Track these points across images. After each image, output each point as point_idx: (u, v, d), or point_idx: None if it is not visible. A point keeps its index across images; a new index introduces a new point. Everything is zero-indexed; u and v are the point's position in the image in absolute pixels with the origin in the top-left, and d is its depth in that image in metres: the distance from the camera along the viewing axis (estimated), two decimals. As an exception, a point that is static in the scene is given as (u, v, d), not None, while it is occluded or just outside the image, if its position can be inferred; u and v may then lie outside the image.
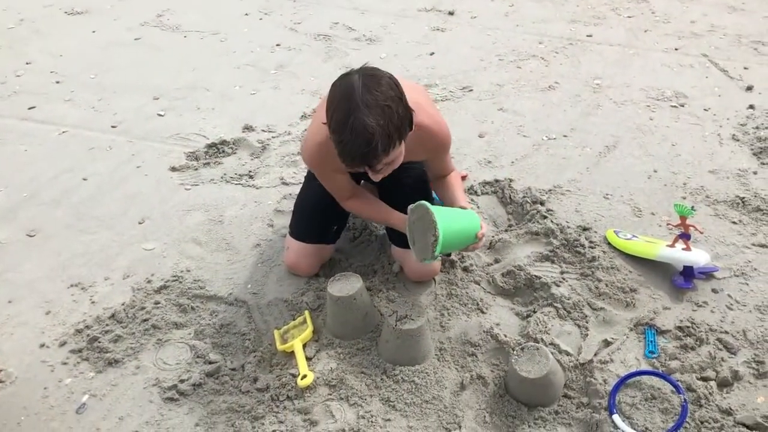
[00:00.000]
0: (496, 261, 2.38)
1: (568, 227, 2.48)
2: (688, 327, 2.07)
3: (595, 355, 2.01)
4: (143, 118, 3.43)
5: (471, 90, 3.56)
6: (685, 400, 1.82)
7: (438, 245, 1.85)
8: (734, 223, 2.52)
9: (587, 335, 2.07)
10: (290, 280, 2.34)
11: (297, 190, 2.48)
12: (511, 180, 2.78)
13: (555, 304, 2.16)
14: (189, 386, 1.96)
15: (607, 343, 2.04)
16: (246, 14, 4.69)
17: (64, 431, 1.87)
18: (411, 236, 2.00)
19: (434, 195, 2.38)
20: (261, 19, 4.61)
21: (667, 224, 2.50)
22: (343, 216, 2.39)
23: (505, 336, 2.06)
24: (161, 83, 3.77)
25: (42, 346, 2.14)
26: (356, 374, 1.98)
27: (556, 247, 2.39)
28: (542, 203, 2.62)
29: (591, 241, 2.41)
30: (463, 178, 2.77)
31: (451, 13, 4.54)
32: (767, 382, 1.91)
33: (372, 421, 1.84)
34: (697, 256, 2.22)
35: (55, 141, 3.27)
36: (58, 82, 3.83)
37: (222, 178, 2.93)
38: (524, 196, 2.66)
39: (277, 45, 4.19)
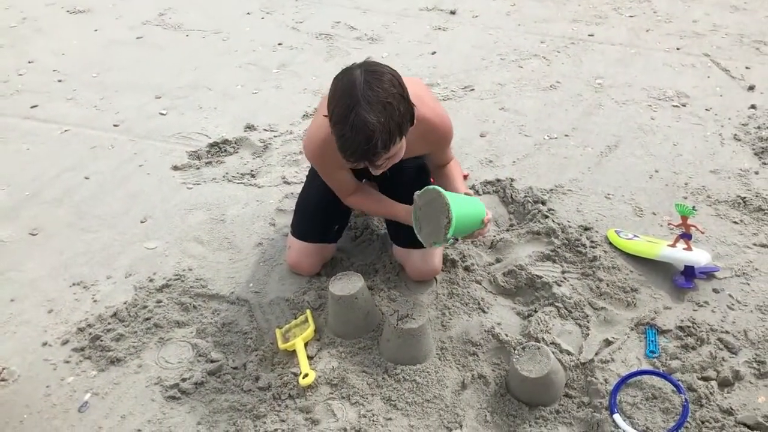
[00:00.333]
0: (498, 260, 2.38)
1: (570, 227, 2.49)
2: (689, 327, 2.07)
3: (596, 354, 2.01)
4: (145, 117, 3.44)
5: (472, 89, 3.56)
6: (686, 399, 1.82)
7: (451, 227, 1.83)
8: (735, 223, 2.52)
9: (588, 335, 2.08)
10: (292, 279, 2.35)
11: (299, 189, 2.49)
12: (512, 179, 2.78)
13: (556, 304, 2.17)
14: (191, 385, 1.96)
15: (608, 343, 2.05)
16: (248, 13, 4.69)
17: (66, 429, 1.88)
18: (417, 223, 1.98)
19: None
20: (263, 18, 4.62)
21: (669, 224, 2.50)
22: (344, 215, 2.40)
23: (507, 335, 2.06)
24: (163, 82, 3.78)
25: (44, 344, 2.14)
26: (358, 373, 1.98)
27: (557, 246, 2.39)
28: (543, 203, 2.62)
29: (592, 241, 2.41)
30: (465, 177, 2.77)
31: (452, 13, 4.54)
32: (768, 382, 1.91)
33: (373, 420, 1.84)
34: (698, 256, 2.22)
35: (57, 140, 3.27)
36: (60, 81, 3.83)
37: (224, 177, 2.93)
38: (525, 196, 2.66)
39: (279, 44, 4.19)
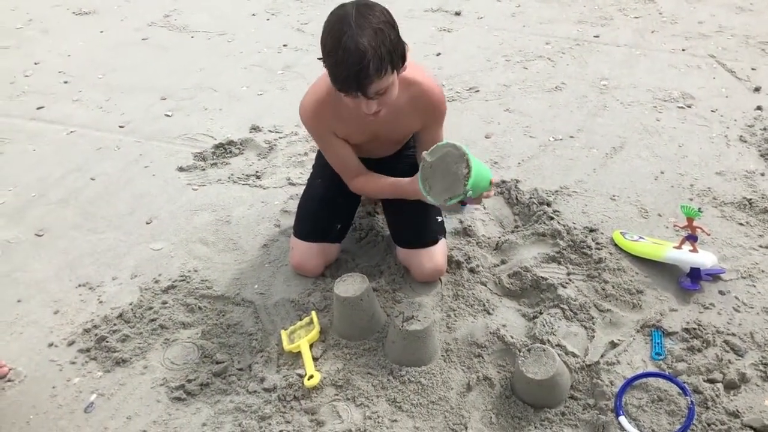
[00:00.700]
0: (503, 262, 2.38)
1: (575, 228, 2.48)
2: (694, 329, 2.07)
3: (602, 356, 2.01)
4: (151, 119, 3.45)
5: (477, 90, 3.56)
6: (691, 402, 1.81)
7: (471, 177, 1.82)
8: (741, 224, 2.51)
9: (594, 337, 2.07)
10: (297, 281, 2.35)
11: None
12: (517, 181, 2.78)
13: (561, 306, 2.16)
14: (196, 386, 1.97)
15: (613, 345, 2.04)
16: (253, 15, 4.70)
17: (72, 430, 1.88)
18: (426, 184, 1.92)
19: None
20: (268, 19, 4.63)
21: (674, 226, 2.50)
22: (347, 214, 2.40)
23: (512, 337, 2.06)
24: (169, 83, 3.79)
25: (50, 345, 2.15)
26: (363, 375, 1.98)
27: (562, 248, 2.39)
28: (549, 204, 2.62)
29: (598, 243, 2.40)
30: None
31: (457, 14, 4.54)
32: (774, 385, 1.91)
33: (378, 422, 1.84)
34: (704, 258, 2.22)
35: (63, 141, 3.29)
36: (66, 82, 3.85)
37: (229, 178, 2.94)
38: (531, 197, 2.66)
39: (284, 45, 4.20)
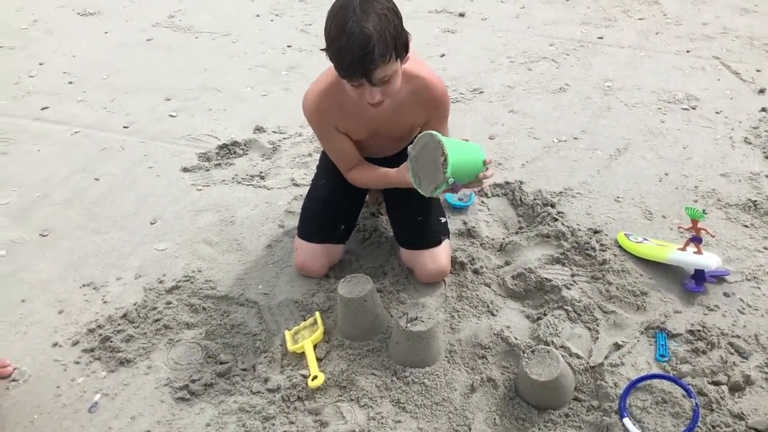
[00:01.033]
0: (507, 263, 2.38)
1: (579, 230, 2.48)
2: (699, 331, 2.06)
3: (606, 358, 2.00)
4: (155, 119, 3.46)
5: (481, 92, 3.56)
6: (696, 404, 1.81)
7: (449, 164, 1.82)
8: (746, 226, 2.50)
9: (598, 338, 2.07)
10: (301, 281, 2.35)
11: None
12: (521, 182, 2.78)
13: (565, 307, 2.16)
14: (200, 386, 1.97)
15: (617, 347, 2.04)
16: (257, 15, 4.71)
17: (76, 430, 1.89)
18: (416, 179, 1.96)
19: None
20: (272, 20, 4.63)
21: (678, 227, 2.49)
22: (350, 214, 2.40)
23: (516, 338, 2.06)
24: (173, 84, 3.80)
25: (55, 345, 2.15)
26: (366, 375, 1.98)
27: (566, 249, 2.38)
28: (553, 206, 2.62)
29: (602, 244, 2.40)
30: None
31: (461, 15, 4.54)
32: (779, 387, 1.90)
33: (382, 423, 1.84)
34: (709, 260, 2.21)
35: (68, 141, 3.29)
36: (70, 83, 3.86)
37: (233, 179, 2.94)
38: (535, 199, 2.65)
39: (288, 46, 4.20)
